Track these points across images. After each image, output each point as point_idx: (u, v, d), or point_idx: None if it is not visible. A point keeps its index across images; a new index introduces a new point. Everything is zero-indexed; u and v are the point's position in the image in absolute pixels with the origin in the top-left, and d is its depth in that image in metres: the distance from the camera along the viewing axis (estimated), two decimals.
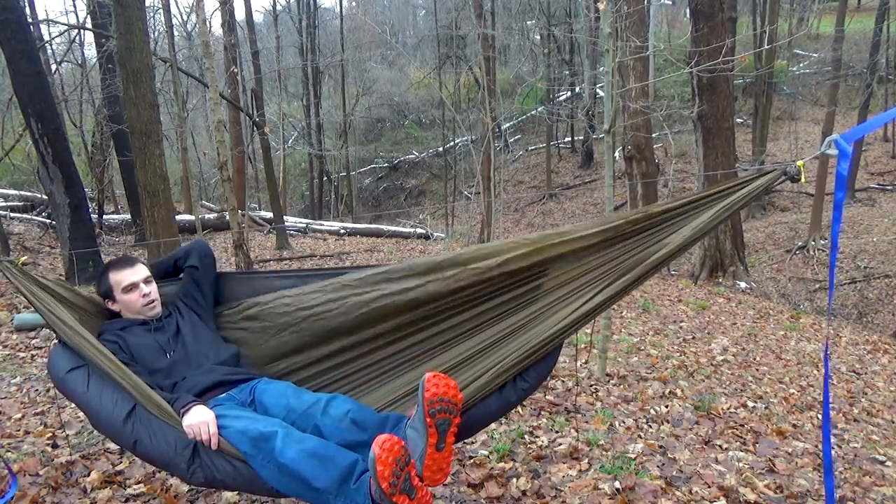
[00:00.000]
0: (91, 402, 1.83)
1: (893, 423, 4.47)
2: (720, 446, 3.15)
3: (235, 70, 14.84)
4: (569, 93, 26.58)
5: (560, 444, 2.95)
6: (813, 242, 13.78)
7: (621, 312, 6.72)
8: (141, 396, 1.82)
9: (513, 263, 1.96)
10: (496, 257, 1.97)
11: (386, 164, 29.53)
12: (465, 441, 2.98)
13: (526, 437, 3.04)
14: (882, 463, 3.29)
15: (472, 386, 1.90)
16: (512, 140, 28.53)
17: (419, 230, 16.28)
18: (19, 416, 3.26)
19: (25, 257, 2.15)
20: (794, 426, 3.76)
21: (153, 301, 2.13)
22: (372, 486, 1.60)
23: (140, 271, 2.13)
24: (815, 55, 25.15)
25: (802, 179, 1.61)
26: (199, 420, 1.75)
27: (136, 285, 2.10)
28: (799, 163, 1.61)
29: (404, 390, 2.06)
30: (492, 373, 1.89)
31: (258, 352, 2.21)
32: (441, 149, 25.23)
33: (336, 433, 1.79)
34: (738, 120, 19.79)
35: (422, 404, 1.68)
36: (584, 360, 4.48)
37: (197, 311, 2.21)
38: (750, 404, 4.10)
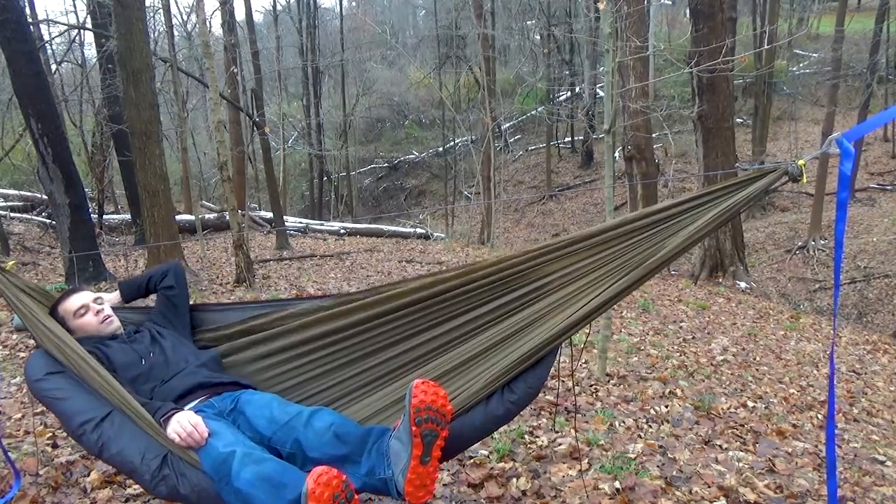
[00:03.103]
0: (64, 407, 1.80)
1: (893, 423, 4.47)
2: (720, 446, 3.15)
3: (235, 70, 14.83)
4: (569, 93, 26.58)
5: (560, 444, 2.95)
6: (813, 242, 13.78)
7: (621, 312, 6.72)
8: (120, 402, 1.77)
9: (505, 262, 1.94)
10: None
11: (386, 164, 29.54)
12: None
13: (526, 437, 3.04)
14: (882, 463, 3.29)
15: (460, 396, 1.83)
16: (512, 140, 28.53)
17: (419, 230, 16.28)
18: (19, 416, 3.26)
19: (14, 262, 2.16)
20: (794, 426, 3.76)
21: (108, 317, 2.12)
22: None
23: (86, 295, 2.13)
24: (815, 55, 25.14)
25: (804, 180, 1.59)
26: (184, 422, 1.69)
27: (86, 307, 2.09)
28: (800, 162, 1.58)
29: (391, 400, 1.99)
30: (482, 381, 1.83)
31: (238, 357, 2.17)
32: (441, 149, 25.25)
33: (318, 447, 1.72)
34: (738, 120, 19.80)
35: (408, 412, 1.61)
36: (584, 360, 4.48)
37: (171, 331, 2.18)
38: (750, 404, 4.10)
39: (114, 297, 2.31)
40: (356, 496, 1.54)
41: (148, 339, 2.09)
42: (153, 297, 2.35)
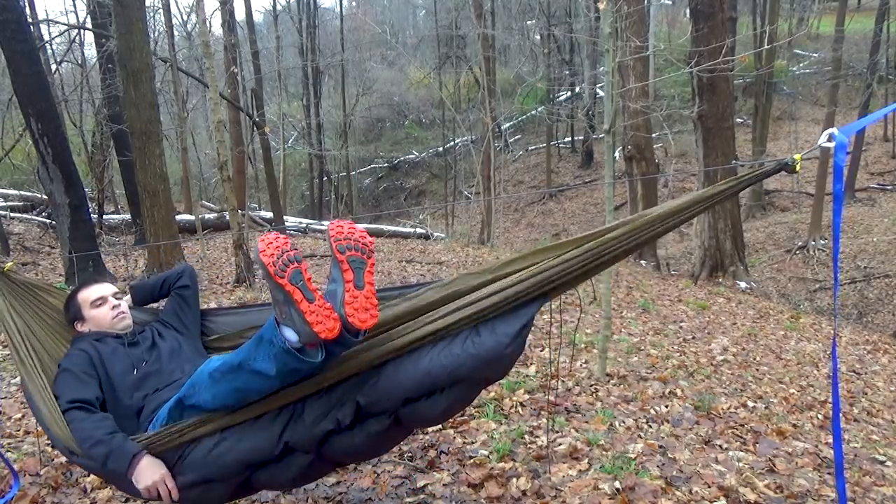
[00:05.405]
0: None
1: (893, 423, 4.47)
2: (720, 446, 3.15)
3: (235, 70, 14.83)
4: (569, 93, 26.60)
5: (560, 444, 2.95)
6: (813, 242, 13.79)
7: (621, 312, 6.72)
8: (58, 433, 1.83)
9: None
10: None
11: (386, 164, 29.54)
12: (466, 441, 2.98)
13: (526, 437, 3.03)
14: (882, 463, 3.29)
15: (428, 327, 1.80)
16: (512, 140, 28.54)
17: (419, 230, 16.27)
18: (19, 416, 3.26)
19: (11, 264, 2.15)
20: (794, 426, 3.76)
21: (122, 313, 2.11)
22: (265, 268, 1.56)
23: (107, 287, 2.14)
24: (815, 55, 25.16)
25: (797, 167, 1.62)
26: (153, 481, 1.72)
27: (104, 299, 2.09)
28: (797, 156, 1.62)
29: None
30: (452, 319, 1.80)
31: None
32: (441, 149, 25.25)
33: None
34: (738, 120, 19.80)
35: (330, 244, 1.67)
36: (584, 360, 4.48)
37: (180, 331, 2.18)
38: (750, 404, 4.10)
39: (125, 300, 2.31)
40: (304, 261, 1.61)
41: (147, 344, 2.08)
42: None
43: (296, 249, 1.62)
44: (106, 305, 2.09)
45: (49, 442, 2.86)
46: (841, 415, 4.33)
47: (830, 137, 1.54)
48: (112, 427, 1.78)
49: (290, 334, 1.57)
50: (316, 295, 1.57)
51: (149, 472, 1.70)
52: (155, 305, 2.36)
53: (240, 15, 19.08)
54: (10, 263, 2.11)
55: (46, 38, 12.07)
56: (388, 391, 1.73)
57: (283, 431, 1.73)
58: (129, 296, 2.32)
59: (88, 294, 2.09)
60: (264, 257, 1.55)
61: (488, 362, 1.75)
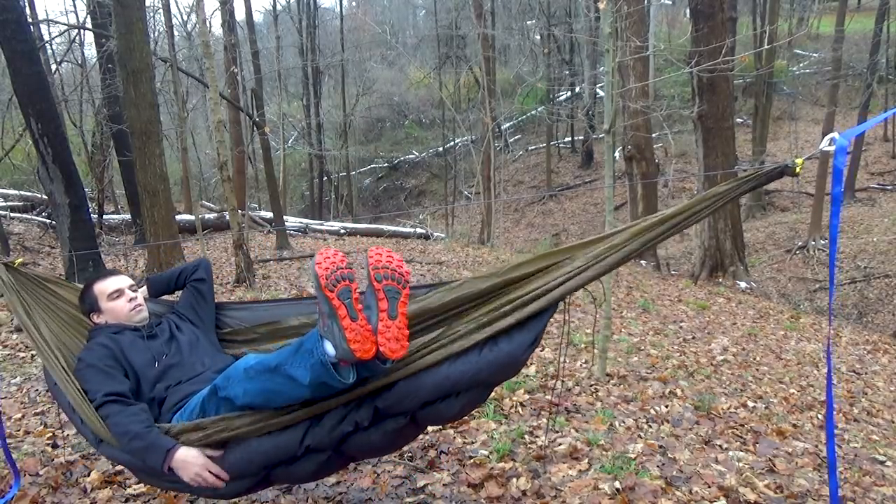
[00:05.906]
0: (69, 415, 1.93)
1: (893, 423, 4.47)
2: (720, 446, 3.15)
3: (235, 70, 14.82)
4: (569, 93, 26.59)
5: (560, 444, 2.95)
6: (813, 242, 13.79)
7: (621, 312, 6.72)
8: (91, 421, 1.83)
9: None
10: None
11: (386, 164, 29.54)
12: (466, 441, 2.98)
13: (526, 437, 3.04)
14: (882, 463, 3.29)
15: (449, 346, 1.81)
16: (512, 140, 28.53)
17: (419, 230, 16.27)
18: (19, 416, 3.26)
19: (21, 259, 2.16)
20: (794, 426, 3.76)
21: (139, 305, 2.13)
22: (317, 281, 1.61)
23: (124, 279, 2.15)
24: (815, 55, 25.15)
25: (798, 170, 1.62)
26: (195, 470, 1.72)
27: (121, 291, 2.10)
28: (798, 160, 1.62)
29: None
30: (472, 340, 1.82)
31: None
32: (441, 149, 25.25)
33: None
34: (738, 120, 19.80)
35: (368, 273, 1.70)
36: (584, 360, 4.48)
37: (196, 324, 2.19)
38: (750, 404, 4.10)
39: (141, 291, 2.33)
40: (356, 282, 1.66)
41: (166, 336, 2.10)
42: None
43: (350, 269, 1.68)
44: (123, 298, 2.10)
45: (50, 441, 2.87)
46: (841, 415, 4.33)
47: (832, 142, 1.54)
48: (148, 420, 1.78)
49: (329, 348, 1.60)
50: (360, 315, 1.61)
51: (189, 464, 1.71)
52: (170, 297, 2.37)
53: (240, 15, 19.10)
54: (19, 259, 2.12)
55: (46, 38, 12.06)
56: (407, 396, 1.76)
57: (305, 435, 1.76)
58: (144, 287, 2.33)
59: (105, 286, 2.10)
60: (319, 269, 1.62)
61: (505, 367, 1.83)
